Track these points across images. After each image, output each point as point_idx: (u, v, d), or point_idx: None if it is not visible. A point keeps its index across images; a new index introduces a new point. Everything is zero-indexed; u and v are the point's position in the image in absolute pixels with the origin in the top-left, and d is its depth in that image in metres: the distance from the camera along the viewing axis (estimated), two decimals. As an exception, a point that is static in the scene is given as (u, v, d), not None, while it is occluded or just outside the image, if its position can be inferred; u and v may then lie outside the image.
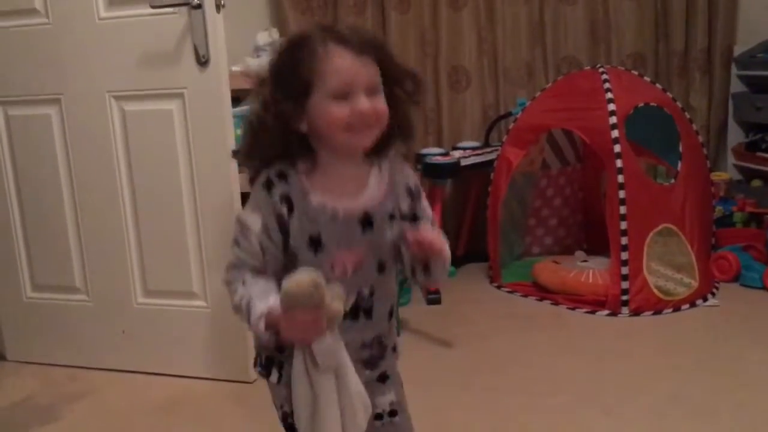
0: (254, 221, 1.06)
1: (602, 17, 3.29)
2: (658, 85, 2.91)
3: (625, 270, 2.51)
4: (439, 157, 2.93)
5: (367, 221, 1.08)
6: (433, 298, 2.68)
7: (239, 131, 2.39)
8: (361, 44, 1.03)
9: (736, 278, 2.76)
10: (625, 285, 2.51)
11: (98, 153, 2.12)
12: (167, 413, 1.99)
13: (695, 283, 2.59)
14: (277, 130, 1.04)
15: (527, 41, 3.28)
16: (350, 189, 1.08)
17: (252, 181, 1.11)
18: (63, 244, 2.23)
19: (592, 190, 3.17)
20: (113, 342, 2.24)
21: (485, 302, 2.76)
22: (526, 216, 3.13)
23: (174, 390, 2.11)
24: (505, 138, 2.96)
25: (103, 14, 2.04)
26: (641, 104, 2.67)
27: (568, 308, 2.61)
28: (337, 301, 1.01)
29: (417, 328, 2.49)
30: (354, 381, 1.09)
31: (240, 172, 2.13)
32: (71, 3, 2.05)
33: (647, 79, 2.95)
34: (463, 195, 3.25)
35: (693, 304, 2.56)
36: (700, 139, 2.92)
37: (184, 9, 1.94)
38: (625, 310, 2.51)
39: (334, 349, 1.05)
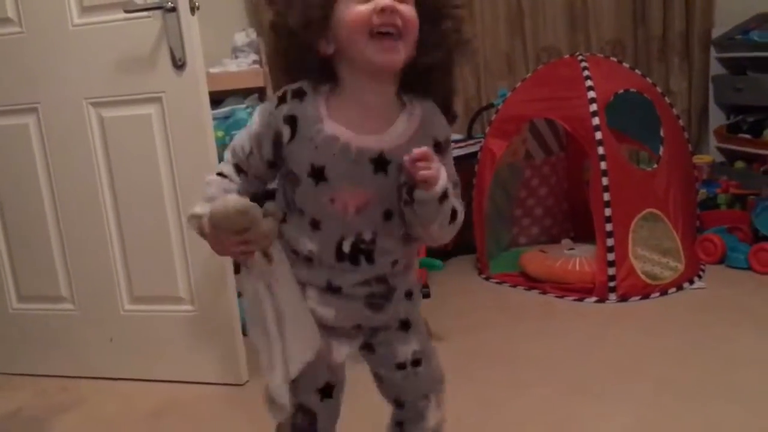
0: (254, 124, 1.06)
1: (580, 5, 3.31)
2: (637, 71, 2.92)
3: (611, 256, 2.52)
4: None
5: (381, 163, 1.01)
6: (422, 291, 2.67)
7: (219, 133, 2.39)
8: None
9: (721, 260, 2.77)
10: (611, 271, 2.52)
11: (78, 160, 2.11)
12: (159, 419, 1.98)
13: (681, 267, 2.61)
14: (300, 46, 0.99)
15: (506, 32, 3.29)
16: (372, 124, 1.02)
17: None
18: (47, 253, 2.21)
19: (576, 178, 3.18)
20: (102, 350, 2.23)
21: (474, 294, 2.77)
22: (512, 207, 3.13)
23: (165, 396, 2.10)
24: (487, 129, 2.96)
25: (76, 21, 2.02)
26: (621, 91, 2.68)
27: (556, 297, 2.62)
28: (268, 220, 1.01)
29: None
30: (291, 304, 1.05)
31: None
32: (44, 11, 2.03)
33: (626, 65, 2.95)
34: (449, 188, 3.25)
35: (680, 288, 2.57)
36: (681, 123, 2.93)
37: (158, 13, 1.92)
38: (612, 296, 2.52)
39: (266, 270, 1.04)
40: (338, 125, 1.00)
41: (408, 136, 1.03)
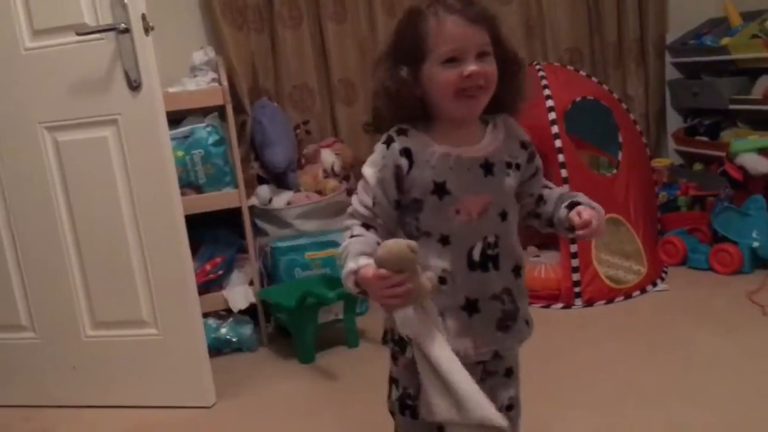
0: (371, 174, 1.14)
1: (536, 15, 3.35)
2: (594, 79, 2.97)
3: (575, 262, 2.55)
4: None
5: (488, 167, 1.15)
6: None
7: (180, 153, 2.37)
8: (472, 13, 1.09)
9: (683, 261, 2.82)
10: (576, 277, 2.54)
11: (34, 185, 2.07)
12: (125, 446, 1.95)
13: (644, 270, 2.64)
14: (399, 97, 1.12)
15: (465, 43, 3.31)
16: (469, 139, 1.16)
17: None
18: (5, 281, 2.16)
19: (540, 185, 3.20)
20: (65, 378, 2.19)
21: (442, 305, 2.76)
22: (477, 216, 3.14)
23: (132, 422, 2.07)
24: (450, 140, 2.97)
25: (28, 44, 1.99)
26: (579, 98, 2.71)
27: (523, 304, 2.63)
28: (427, 280, 1.07)
29: (375, 336, 2.48)
30: (445, 361, 1.09)
31: (181, 194, 2.11)
32: (-5, 35, 2.00)
33: (583, 73, 3.00)
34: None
35: (644, 291, 2.61)
36: (639, 128, 2.98)
37: (111, 34, 1.90)
38: (578, 301, 2.54)
39: (416, 321, 1.08)
40: (446, 145, 1.13)
41: (501, 140, 1.17)
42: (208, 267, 2.48)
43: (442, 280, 1.13)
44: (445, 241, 1.14)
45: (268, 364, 2.38)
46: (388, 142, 1.14)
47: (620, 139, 2.76)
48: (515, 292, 1.20)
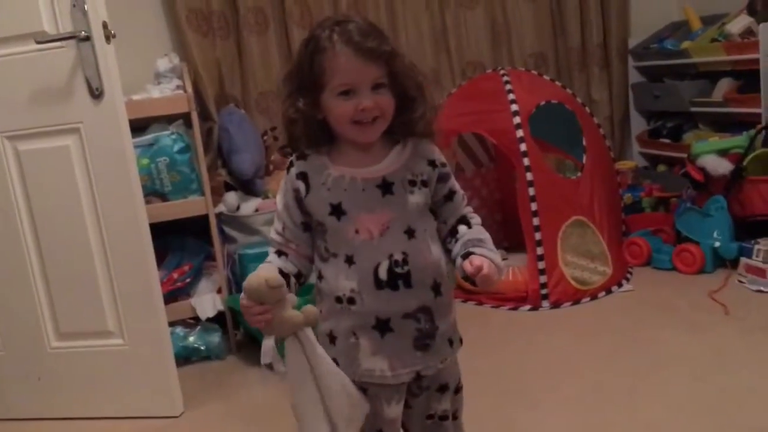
0: (279, 201, 1.21)
1: (502, 20, 3.38)
2: (557, 83, 3.01)
3: (541, 264, 2.57)
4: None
5: (386, 186, 1.16)
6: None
7: (144, 161, 2.35)
8: (366, 48, 1.10)
9: (648, 262, 2.87)
10: (543, 279, 2.57)
11: (-5, 196, 2.04)
12: (91, 458, 1.92)
13: (609, 271, 2.68)
14: (303, 122, 1.15)
15: (431, 48, 3.33)
16: (369, 160, 1.18)
17: None
18: (-34, 294, 2.13)
19: (508, 189, 3.23)
20: (30, 390, 2.15)
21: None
22: (446, 220, 3.15)
23: (98, 433, 2.05)
24: (417, 145, 2.98)
25: (-14, 53, 1.96)
26: (543, 102, 2.75)
27: (492, 307, 2.66)
28: (300, 313, 1.10)
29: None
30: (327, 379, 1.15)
31: (147, 202, 2.09)
32: (-48, 43, 1.97)
33: (547, 77, 3.04)
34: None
35: (609, 291, 2.65)
36: (603, 131, 3.03)
37: (72, 42, 1.88)
38: (545, 303, 2.57)
39: (273, 352, 1.14)
40: (342, 167, 1.17)
41: (404, 160, 1.18)
42: (175, 275, 2.46)
43: (351, 300, 1.16)
44: (350, 261, 1.15)
45: (237, 372, 2.37)
46: (289, 167, 1.19)
47: (584, 143, 2.79)
48: (435, 310, 1.18)
